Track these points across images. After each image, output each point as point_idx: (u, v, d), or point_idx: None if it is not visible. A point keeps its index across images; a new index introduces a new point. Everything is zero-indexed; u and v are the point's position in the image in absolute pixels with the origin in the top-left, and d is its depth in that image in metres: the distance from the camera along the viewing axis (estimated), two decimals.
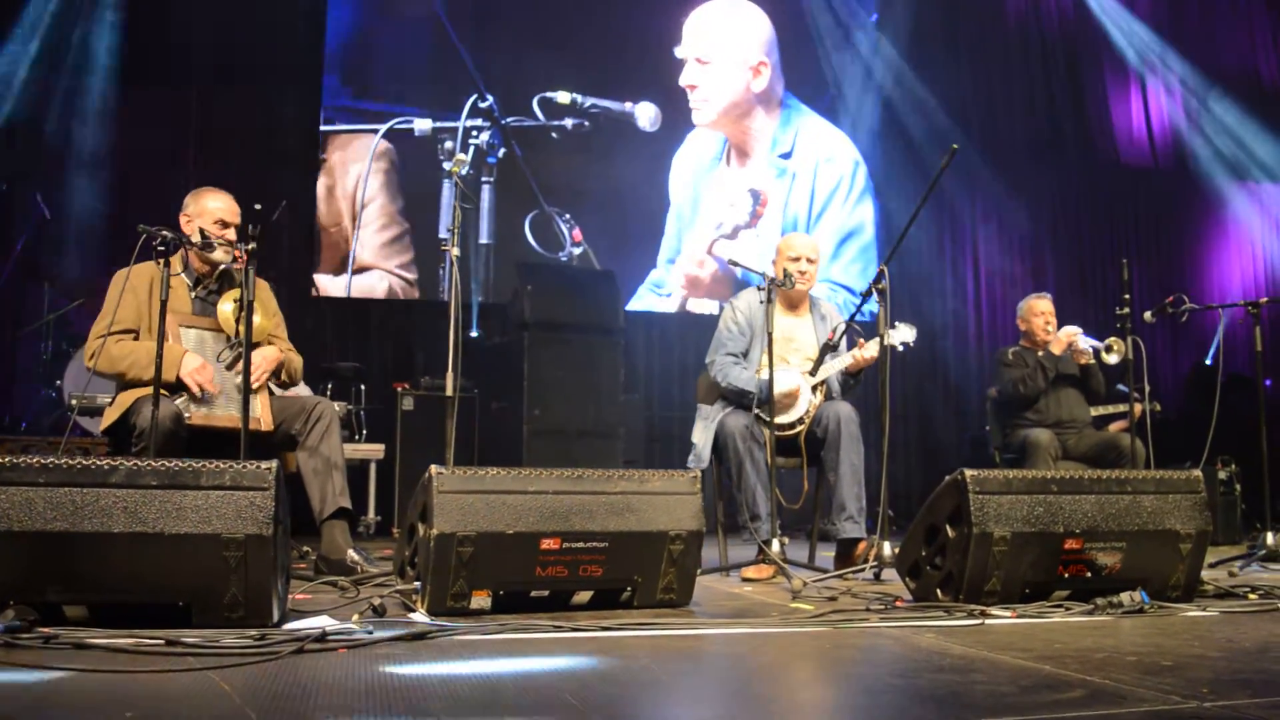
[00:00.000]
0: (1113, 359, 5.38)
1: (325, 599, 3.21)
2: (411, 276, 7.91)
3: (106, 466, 2.58)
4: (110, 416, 3.82)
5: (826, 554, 4.57)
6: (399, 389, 6.83)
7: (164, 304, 3.50)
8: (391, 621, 2.75)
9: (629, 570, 3.12)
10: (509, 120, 8.14)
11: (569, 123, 8.31)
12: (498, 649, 2.46)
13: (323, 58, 7.86)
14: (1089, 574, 3.21)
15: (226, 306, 3.92)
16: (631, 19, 8.61)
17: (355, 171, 7.85)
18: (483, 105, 8.05)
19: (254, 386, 3.75)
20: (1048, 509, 3.17)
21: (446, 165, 7.81)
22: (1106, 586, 3.18)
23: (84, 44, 7.34)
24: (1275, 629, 2.82)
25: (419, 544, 3.03)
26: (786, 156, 8.86)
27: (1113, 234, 9.82)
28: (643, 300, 8.45)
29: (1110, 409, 5.99)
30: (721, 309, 4.89)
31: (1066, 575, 3.21)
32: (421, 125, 7.94)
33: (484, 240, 7.94)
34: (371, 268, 7.85)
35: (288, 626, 2.60)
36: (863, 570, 4.02)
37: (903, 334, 4.33)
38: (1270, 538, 4.82)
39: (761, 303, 4.24)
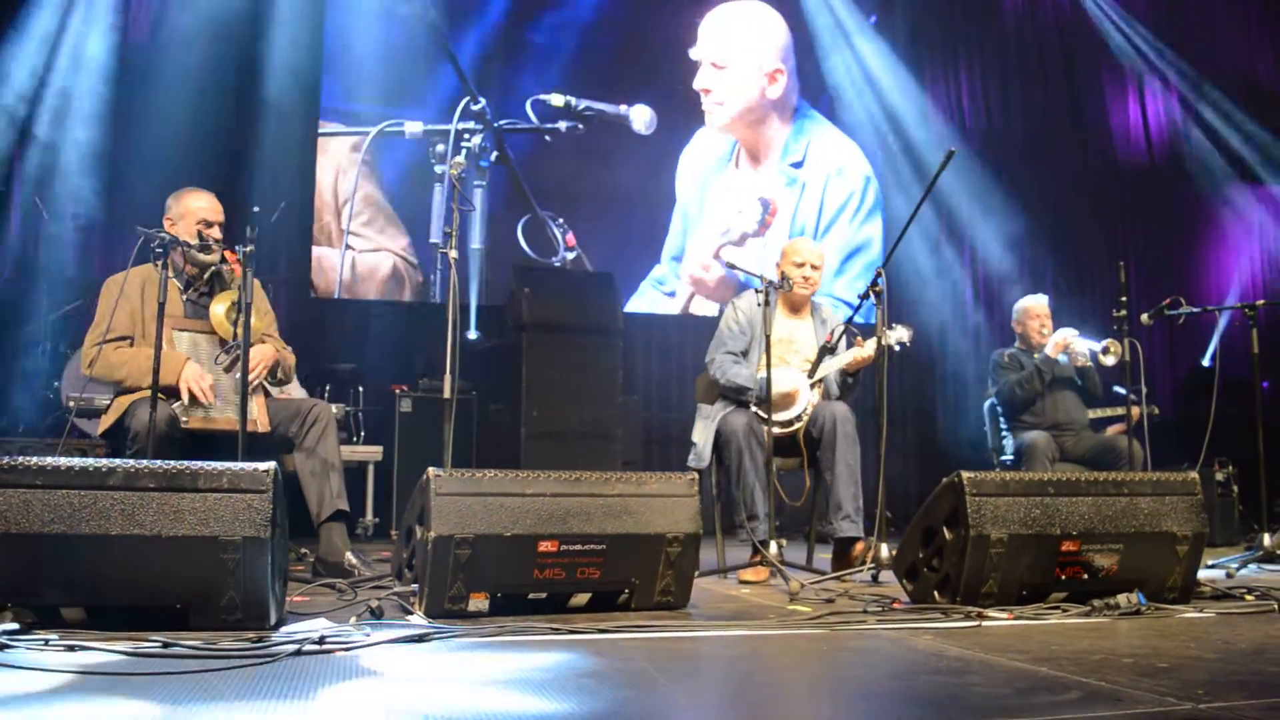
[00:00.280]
0: (1110, 361, 5.39)
1: (323, 601, 3.22)
2: (414, 260, 7.85)
3: (104, 469, 2.58)
4: (108, 420, 3.83)
5: (824, 556, 4.57)
6: (397, 391, 6.83)
7: (161, 307, 3.50)
8: (389, 624, 2.75)
9: (626, 572, 3.12)
10: (502, 123, 8.07)
11: (563, 125, 8.23)
12: (495, 652, 2.46)
13: (322, 59, 7.84)
14: (1086, 576, 3.22)
15: (219, 308, 3.91)
16: (630, 20, 8.58)
17: (331, 165, 7.80)
18: (475, 108, 7.94)
19: (251, 384, 3.74)
20: (1044, 511, 3.18)
21: (438, 169, 7.78)
22: (1103, 588, 3.19)
23: (81, 44, 7.33)
24: (1271, 630, 2.82)
25: (417, 546, 3.03)
26: (798, 166, 8.80)
27: (1110, 235, 9.82)
28: (645, 297, 8.42)
29: (1108, 411, 6.00)
30: (723, 310, 4.90)
31: (1063, 577, 3.21)
32: (412, 128, 7.84)
33: (475, 245, 7.89)
34: (377, 249, 7.78)
35: (285, 629, 2.61)
36: (860, 572, 4.03)
37: (899, 334, 4.35)
38: (1267, 539, 4.83)
39: (760, 305, 4.25)
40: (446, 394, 4.10)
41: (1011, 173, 9.36)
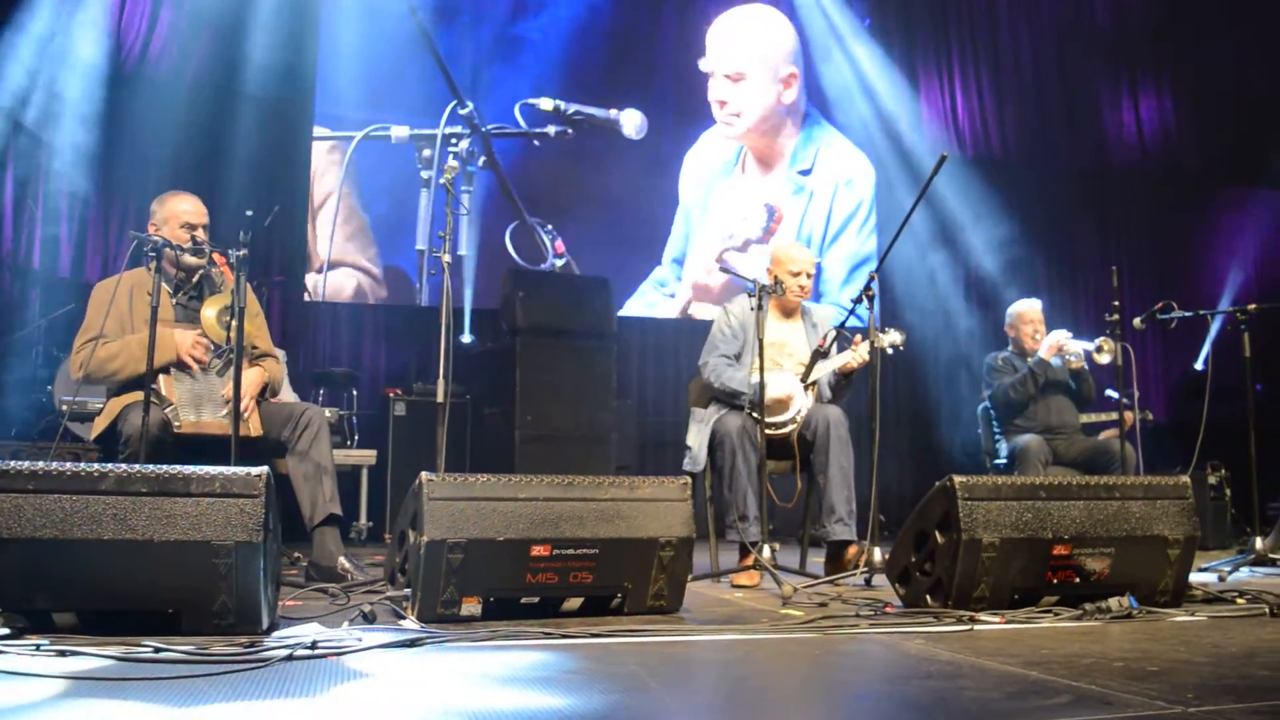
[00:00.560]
0: (1104, 359, 5.39)
1: (316, 606, 3.21)
2: (378, 271, 7.75)
3: (96, 473, 2.58)
4: (100, 424, 3.82)
5: (817, 559, 4.58)
6: (391, 394, 6.83)
7: (154, 310, 3.49)
8: (382, 629, 2.75)
9: (619, 577, 3.12)
10: (490, 127, 8.01)
11: (552, 130, 8.18)
12: (488, 656, 2.46)
13: (317, 61, 7.81)
14: (1077, 580, 3.23)
15: (209, 312, 3.90)
16: (623, 23, 8.56)
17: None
18: (462, 112, 7.88)
19: (244, 413, 3.74)
20: (1036, 515, 3.18)
21: (425, 174, 7.73)
22: (1095, 592, 3.20)
23: (74, 46, 7.32)
24: (1262, 634, 2.83)
25: (409, 551, 3.03)
26: (806, 174, 8.79)
27: (1103, 239, 9.85)
28: (642, 299, 8.41)
29: (1101, 416, 6.01)
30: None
31: (1055, 581, 3.22)
32: (398, 132, 7.79)
33: (462, 251, 7.84)
34: (338, 264, 7.69)
35: (278, 634, 2.60)
36: (853, 576, 4.03)
37: (892, 338, 4.38)
38: (1259, 542, 4.85)
39: (753, 309, 4.26)
40: (440, 398, 4.10)
41: (1005, 176, 9.39)
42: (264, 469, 2.71)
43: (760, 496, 4.18)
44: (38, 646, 2.32)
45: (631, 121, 8.39)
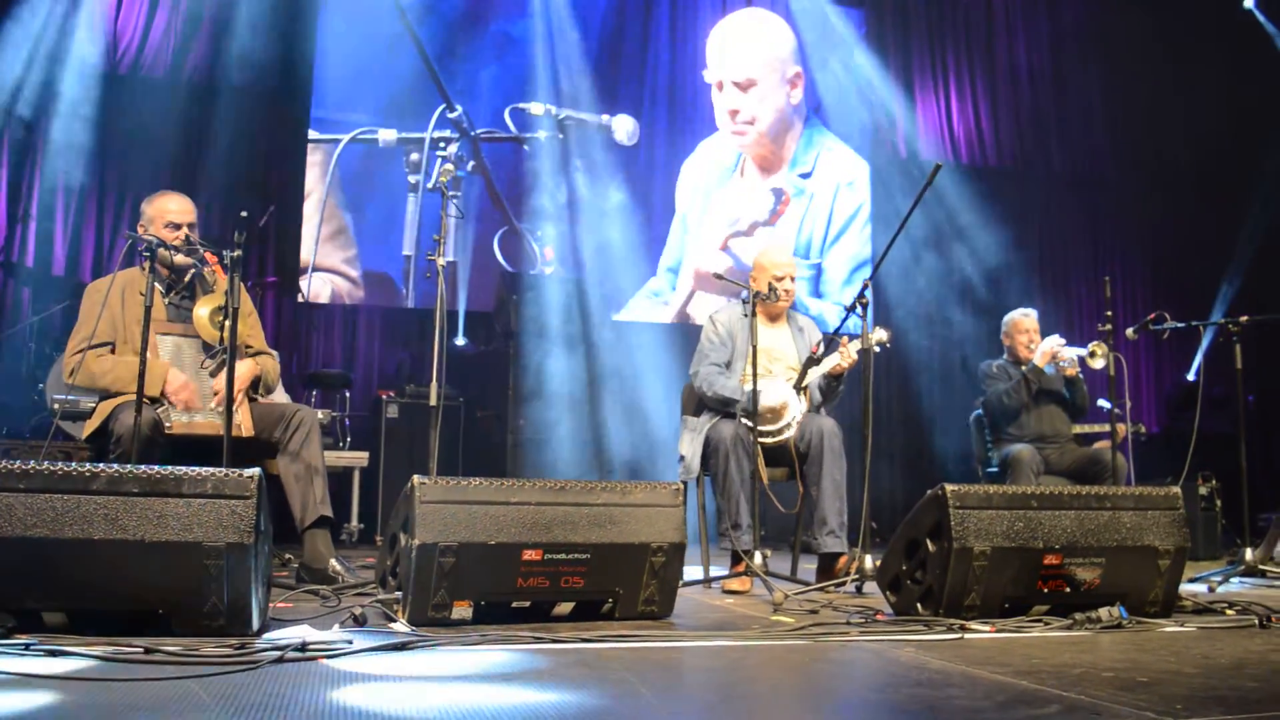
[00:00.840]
0: (1098, 364, 5.39)
1: (306, 608, 3.21)
2: (355, 274, 7.68)
3: (88, 473, 2.58)
4: (92, 424, 3.81)
5: (809, 566, 4.58)
6: (384, 396, 6.83)
7: (148, 311, 3.48)
8: (372, 631, 2.75)
9: (610, 582, 3.12)
10: (479, 131, 7.92)
11: (542, 134, 8.10)
12: (478, 660, 2.46)
13: (314, 63, 7.79)
14: (1068, 589, 3.23)
15: (202, 311, 3.89)
16: (616, 26, 8.54)
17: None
18: (451, 115, 7.81)
19: (234, 404, 3.73)
20: (1028, 524, 3.19)
21: (413, 178, 7.68)
22: (1085, 602, 3.20)
23: (72, 42, 7.31)
24: (1251, 645, 2.84)
25: (401, 554, 3.03)
26: (806, 177, 8.76)
27: (1097, 248, 9.87)
28: (638, 308, 8.38)
29: (1093, 428, 6.02)
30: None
31: (1046, 590, 3.23)
32: (386, 136, 7.71)
33: (450, 257, 7.78)
34: (318, 267, 7.62)
35: (268, 635, 2.60)
36: (844, 583, 4.03)
37: (878, 335, 4.42)
38: (1249, 553, 4.86)
39: (745, 316, 4.26)
40: (433, 400, 4.10)
41: (1000, 184, 9.41)
42: (256, 471, 2.71)
43: (753, 505, 4.18)
44: (27, 646, 2.32)
45: (624, 127, 8.33)
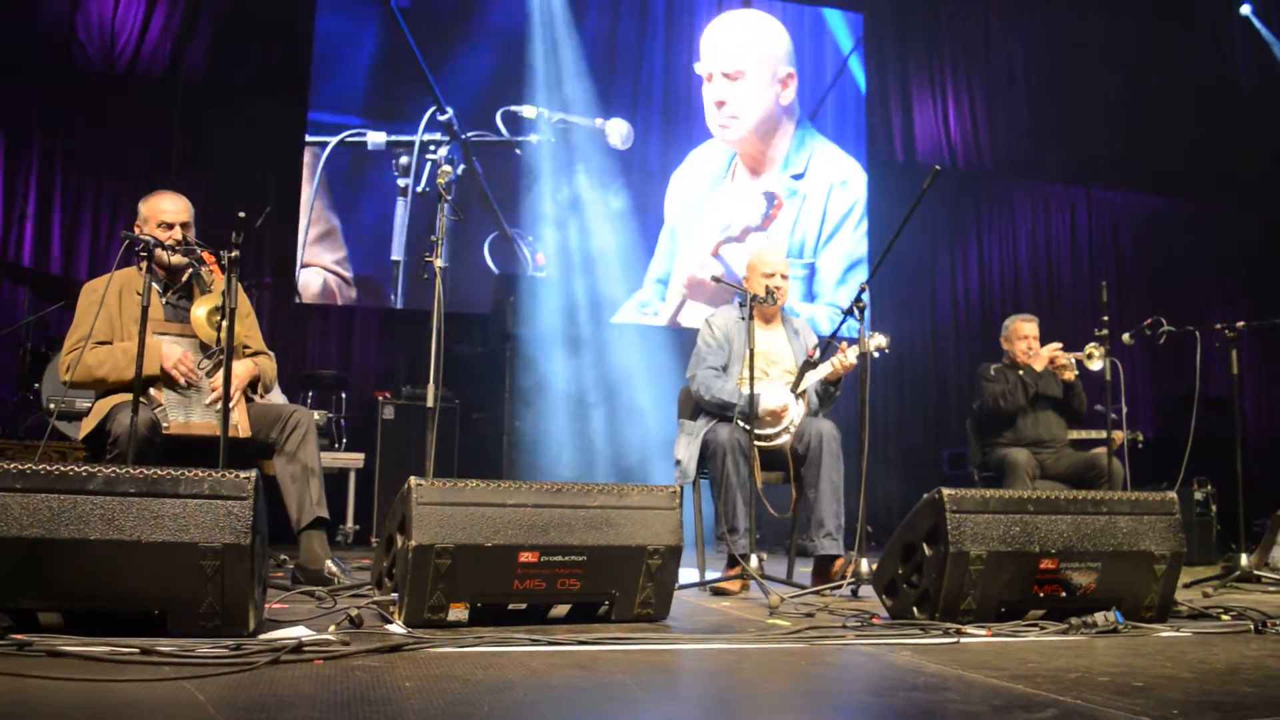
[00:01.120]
0: (1095, 365, 5.39)
1: (302, 609, 3.20)
2: (348, 274, 7.66)
3: (84, 473, 2.57)
4: (89, 424, 3.80)
5: (804, 569, 4.58)
6: (380, 397, 6.83)
7: (145, 310, 3.48)
8: (368, 633, 2.75)
9: (606, 584, 3.12)
10: (469, 134, 7.87)
11: (534, 138, 8.05)
12: (474, 662, 2.46)
13: (310, 65, 7.79)
14: (1064, 594, 3.23)
15: (199, 311, 3.89)
16: (611, 31, 8.53)
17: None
18: (441, 118, 7.75)
19: (231, 404, 3.72)
20: (1024, 529, 3.19)
21: (402, 182, 7.64)
22: (1081, 606, 3.20)
23: (69, 41, 7.30)
24: (1247, 650, 2.84)
25: (397, 555, 3.03)
26: (799, 178, 8.74)
27: (1094, 253, 9.89)
28: (628, 316, 8.32)
29: (1090, 433, 6.02)
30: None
31: (1042, 595, 3.23)
32: (375, 138, 7.66)
33: (442, 263, 7.69)
34: (307, 265, 7.61)
35: (264, 636, 2.60)
36: (840, 587, 4.03)
37: (877, 340, 4.41)
38: (1245, 559, 4.86)
39: (741, 319, 4.26)
40: (429, 402, 4.10)
41: (997, 189, 9.43)
42: (253, 472, 2.71)
43: (750, 509, 4.18)
44: (22, 646, 2.31)
45: (617, 131, 8.29)
